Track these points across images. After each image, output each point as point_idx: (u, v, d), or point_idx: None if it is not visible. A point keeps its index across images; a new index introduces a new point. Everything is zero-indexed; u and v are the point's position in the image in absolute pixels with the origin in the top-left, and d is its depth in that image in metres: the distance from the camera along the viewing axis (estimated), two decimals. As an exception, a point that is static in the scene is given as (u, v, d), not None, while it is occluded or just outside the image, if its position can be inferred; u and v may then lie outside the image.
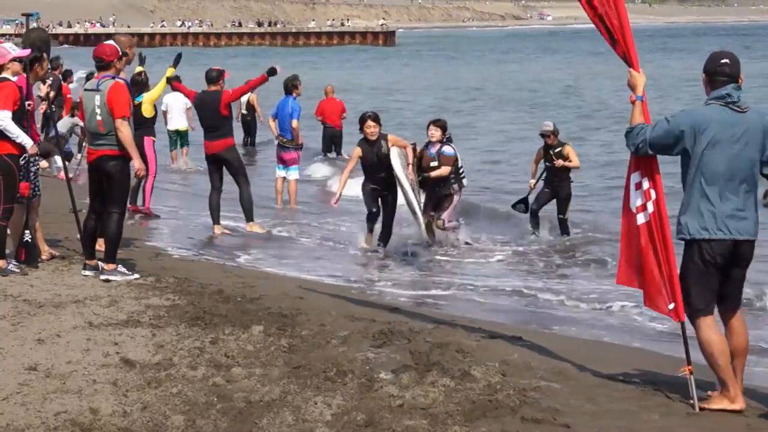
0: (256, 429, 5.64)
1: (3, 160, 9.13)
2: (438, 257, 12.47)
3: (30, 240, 9.44)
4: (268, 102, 22.16)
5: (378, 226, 12.65)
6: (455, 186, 12.94)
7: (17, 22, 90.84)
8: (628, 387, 6.63)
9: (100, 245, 9.45)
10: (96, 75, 9.52)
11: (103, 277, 9.12)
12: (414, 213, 12.45)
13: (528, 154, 16.84)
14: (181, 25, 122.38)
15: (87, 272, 9.29)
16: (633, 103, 6.31)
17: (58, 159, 15.81)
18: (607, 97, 36.88)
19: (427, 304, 9.88)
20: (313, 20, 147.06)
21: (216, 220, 13.06)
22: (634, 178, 6.37)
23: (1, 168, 9.11)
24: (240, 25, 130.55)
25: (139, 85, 13.56)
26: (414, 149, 12.69)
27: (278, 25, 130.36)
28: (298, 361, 6.78)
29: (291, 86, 15.58)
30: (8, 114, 9.09)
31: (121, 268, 9.28)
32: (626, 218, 6.44)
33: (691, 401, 6.20)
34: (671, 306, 6.25)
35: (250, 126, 23.97)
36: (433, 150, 12.85)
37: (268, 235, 13.35)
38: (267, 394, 6.13)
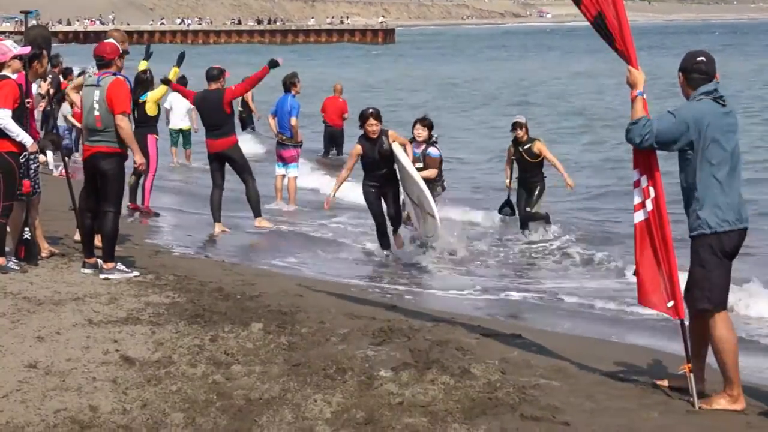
0: (255, 427, 5.64)
1: (3, 158, 9.13)
2: (438, 256, 12.46)
3: (29, 237, 9.45)
4: (267, 99, 22.19)
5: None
6: (438, 189, 12.66)
7: (17, 19, 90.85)
8: (628, 385, 6.64)
9: (98, 240, 9.46)
10: (96, 72, 9.52)
11: (102, 276, 9.12)
12: (431, 212, 11.75)
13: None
14: (180, 23, 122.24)
15: (86, 270, 9.30)
16: (634, 99, 6.30)
17: (50, 156, 15.83)
18: (593, 99, 36.91)
19: (427, 302, 9.88)
20: (313, 18, 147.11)
21: (217, 218, 13.05)
22: (634, 175, 6.38)
23: (1, 166, 9.12)
24: (239, 22, 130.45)
25: (143, 83, 13.55)
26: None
27: (277, 23, 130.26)
28: (297, 358, 6.79)
29: (290, 84, 15.57)
30: (8, 113, 9.09)
31: (120, 266, 9.28)
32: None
33: (691, 399, 6.21)
34: (670, 304, 6.26)
35: (246, 122, 24.01)
36: (418, 150, 12.56)
37: (276, 229, 13.32)
38: (266, 391, 6.14)
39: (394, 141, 12.02)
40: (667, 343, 8.14)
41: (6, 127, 9.09)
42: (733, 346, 6.13)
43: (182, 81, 19.23)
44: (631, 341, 8.57)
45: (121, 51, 9.40)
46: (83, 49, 57.47)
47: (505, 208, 13.86)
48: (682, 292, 6.24)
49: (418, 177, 11.83)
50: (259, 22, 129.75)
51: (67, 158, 11.87)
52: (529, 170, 13.48)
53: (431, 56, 75.79)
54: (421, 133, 12.66)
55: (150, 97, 13.63)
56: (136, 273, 9.31)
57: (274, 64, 13.04)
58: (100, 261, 9.30)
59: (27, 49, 9.42)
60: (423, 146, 12.64)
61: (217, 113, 12.93)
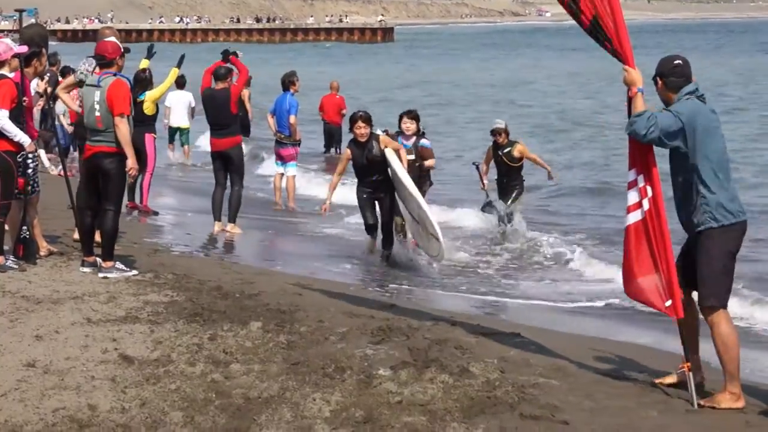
0: (254, 425, 5.63)
1: (1, 157, 9.13)
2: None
3: (27, 236, 9.44)
4: (266, 98, 22.19)
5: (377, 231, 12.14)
6: (427, 184, 12.48)
7: (15, 18, 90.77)
8: (627, 384, 6.64)
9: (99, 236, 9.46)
10: (97, 71, 9.50)
11: (101, 275, 9.12)
12: (435, 234, 11.02)
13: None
14: (179, 21, 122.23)
15: (85, 269, 9.29)
16: (633, 96, 6.29)
17: (43, 155, 15.79)
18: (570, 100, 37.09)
19: (426, 301, 9.87)
20: (312, 16, 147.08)
21: (217, 216, 13.01)
22: (630, 175, 6.38)
23: (-1, 165, 9.12)
24: (238, 21, 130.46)
25: (142, 82, 13.55)
26: (387, 132, 12.31)
27: (276, 21, 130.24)
28: (296, 357, 6.78)
29: (288, 82, 15.56)
30: (5, 113, 9.09)
31: (119, 265, 9.28)
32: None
33: (690, 398, 6.20)
34: (668, 303, 6.26)
35: (246, 128, 24.00)
36: (408, 143, 12.32)
37: (275, 228, 13.25)
38: (265, 390, 6.13)
39: (386, 146, 11.65)
40: (666, 341, 8.14)
41: (3, 127, 9.08)
42: (736, 342, 6.17)
43: (181, 80, 19.29)
44: (630, 340, 8.56)
45: (122, 50, 9.38)
46: (81, 48, 57.40)
47: (487, 207, 13.77)
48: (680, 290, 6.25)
49: (416, 192, 11.37)
50: (258, 20, 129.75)
51: (64, 157, 11.86)
52: (509, 174, 13.34)
53: (424, 55, 75.81)
54: (410, 126, 12.42)
55: (148, 97, 13.62)
56: (134, 272, 9.30)
57: (225, 54, 13.09)
58: (98, 260, 9.29)
59: (24, 48, 9.40)
60: (413, 139, 12.42)
61: (224, 113, 12.88)
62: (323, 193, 13.43)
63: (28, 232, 9.45)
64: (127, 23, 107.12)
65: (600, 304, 10.04)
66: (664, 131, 6.16)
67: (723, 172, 6.20)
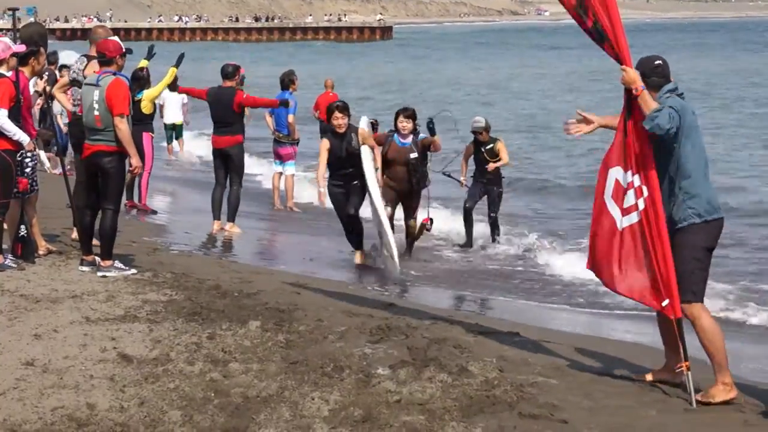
0: (253, 424, 5.63)
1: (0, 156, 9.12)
2: (433, 254, 12.46)
3: (26, 235, 9.44)
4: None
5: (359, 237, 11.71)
6: (426, 181, 12.24)
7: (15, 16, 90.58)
8: (626, 383, 6.64)
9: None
10: (97, 70, 9.50)
11: (99, 273, 9.12)
12: (388, 246, 11.03)
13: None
14: (178, 20, 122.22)
15: (84, 267, 9.29)
16: (640, 94, 6.27)
17: (42, 154, 15.79)
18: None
19: (425, 300, 9.87)
20: (311, 15, 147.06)
21: (216, 215, 13.00)
22: (626, 177, 6.34)
23: (-2, 164, 9.11)
24: (237, 20, 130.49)
25: (140, 81, 13.53)
26: (375, 123, 12.09)
27: (275, 20, 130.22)
28: (295, 356, 6.78)
29: (288, 81, 15.55)
30: (4, 112, 9.08)
31: (117, 264, 9.28)
32: (598, 208, 6.50)
33: (689, 397, 6.21)
34: (665, 302, 6.25)
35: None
36: (407, 140, 11.99)
37: (274, 227, 13.23)
38: (264, 389, 6.13)
39: (363, 142, 11.37)
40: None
41: (2, 126, 9.08)
42: (719, 333, 6.24)
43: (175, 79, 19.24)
44: (629, 339, 8.56)
45: (124, 50, 9.37)
46: (78, 47, 57.35)
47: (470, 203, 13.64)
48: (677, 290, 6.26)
49: (379, 203, 11.15)
50: (257, 19, 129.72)
51: (63, 156, 11.86)
52: (490, 172, 13.17)
53: (418, 55, 75.86)
54: (406, 125, 12.02)
55: (146, 96, 13.61)
56: (133, 270, 9.30)
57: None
58: (97, 258, 9.29)
59: (22, 47, 9.40)
60: (411, 137, 12.07)
61: (228, 112, 12.86)
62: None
63: (26, 231, 9.44)
64: (125, 22, 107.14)
65: (599, 303, 10.03)
66: (676, 126, 6.23)
67: (705, 169, 6.31)
